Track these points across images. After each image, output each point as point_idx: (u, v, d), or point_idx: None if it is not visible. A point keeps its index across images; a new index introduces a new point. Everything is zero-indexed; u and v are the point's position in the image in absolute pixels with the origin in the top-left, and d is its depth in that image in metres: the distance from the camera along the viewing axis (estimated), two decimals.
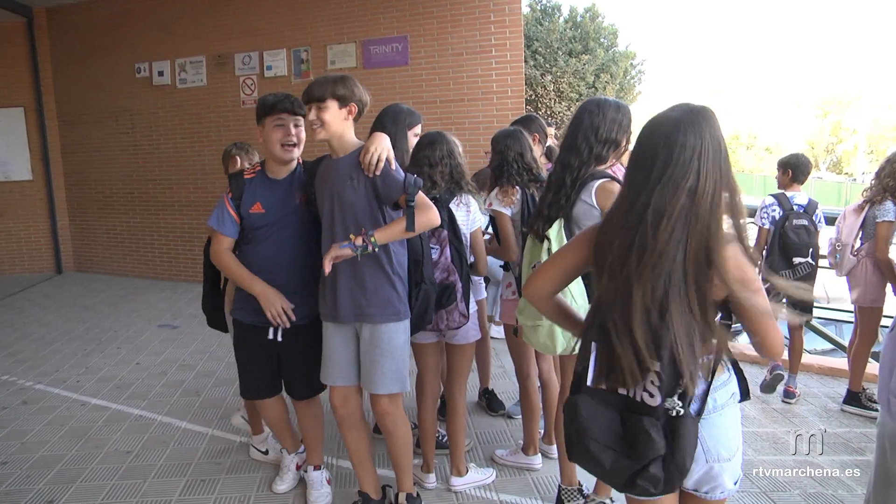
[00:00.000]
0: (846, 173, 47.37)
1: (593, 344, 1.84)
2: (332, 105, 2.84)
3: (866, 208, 4.82)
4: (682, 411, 1.76)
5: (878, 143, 43.01)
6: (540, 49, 18.68)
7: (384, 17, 8.04)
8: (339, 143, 2.93)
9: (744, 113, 55.77)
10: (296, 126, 3.08)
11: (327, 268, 2.80)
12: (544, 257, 2.81)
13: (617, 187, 2.68)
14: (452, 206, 3.35)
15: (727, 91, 60.93)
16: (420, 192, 2.83)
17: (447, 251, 3.25)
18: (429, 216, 2.83)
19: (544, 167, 4.20)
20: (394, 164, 2.86)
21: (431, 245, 3.22)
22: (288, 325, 3.13)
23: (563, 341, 2.90)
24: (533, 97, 18.62)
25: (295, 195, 3.15)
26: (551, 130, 6.36)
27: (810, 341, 9.91)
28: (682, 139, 1.72)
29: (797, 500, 3.72)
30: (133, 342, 6.63)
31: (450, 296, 3.25)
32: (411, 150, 3.57)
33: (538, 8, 20.19)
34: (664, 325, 1.71)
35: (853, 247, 4.88)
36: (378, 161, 2.80)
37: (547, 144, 4.33)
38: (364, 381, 3.05)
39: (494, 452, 4.02)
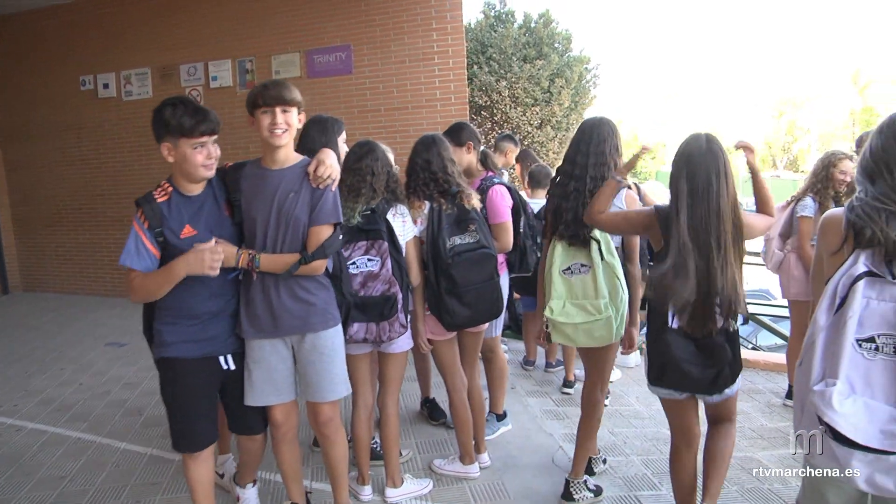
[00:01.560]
0: (802, 171, 48.27)
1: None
2: (295, 110, 2.84)
3: (792, 205, 4.96)
4: (737, 327, 2.79)
5: (830, 142, 43.90)
6: (494, 55, 18.71)
7: (328, 25, 8.01)
8: (286, 152, 2.88)
9: (702, 115, 56.51)
10: (212, 144, 2.81)
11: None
12: (595, 257, 3.29)
13: (635, 194, 3.62)
14: (389, 216, 3.28)
15: (683, 94, 61.71)
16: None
17: (388, 263, 3.21)
18: (316, 268, 2.86)
19: (480, 174, 4.16)
20: (335, 188, 2.88)
21: (371, 257, 3.19)
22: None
23: (615, 327, 3.32)
24: (488, 103, 18.65)
25: (221, 206, 2.93)
26: (511, 146, 6.35)
27: (766, 338, 10.03)
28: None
29: (735, 495, 3.78)
30: (78, 362, 6.49)
31: (392, 307, 3.22)
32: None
33: (492, 14, 20.24)
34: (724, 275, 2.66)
35: (779, 242, 5.02)
36: (329, 178, 2.82)
37: (481, 150, 4.27)
38: (310, 391, 3.01)
39: (432, 462, 4.00)
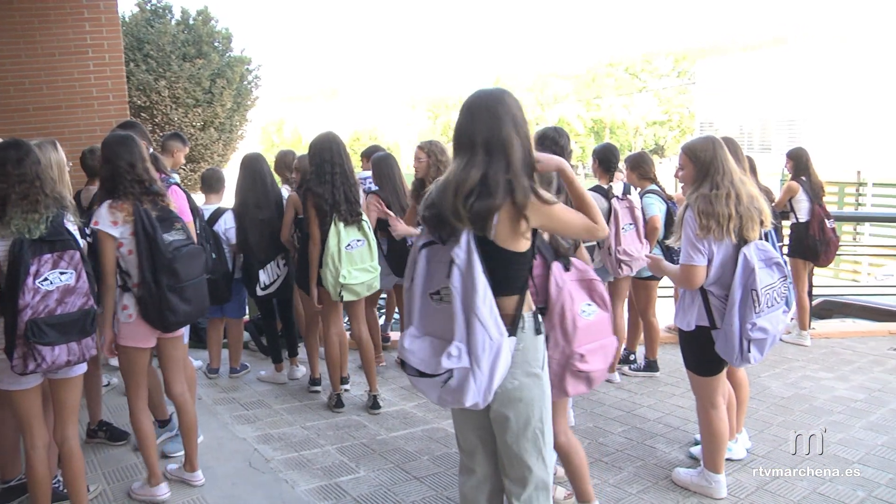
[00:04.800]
0: None
1: None
2: None
3: None
4: None
5: None
6: (152, 52, 17.67)
7: None
8: None
9: (363, 113, 58.93)
10: None
11: None
12: (367, 231, 4.74)
13: None
14: (67, 224, 3.02)
15: (345, 92, 63.79)
16: None
17: (84, 275, 2.96)
18: None
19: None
20: None
21: (63, 269, 2.89)
22: None
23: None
24: (148, 103, 17.59)
25: None
26: (179, 145, 5.84)
27: None
28: None
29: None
30: None
31: (93, 321, 3.02)
32: None
33: (148, 8, 19.11)
34: None
35: None
36: None
37: (150, 152, 4.11)
38: None
39: (131, 487, 3.75)
